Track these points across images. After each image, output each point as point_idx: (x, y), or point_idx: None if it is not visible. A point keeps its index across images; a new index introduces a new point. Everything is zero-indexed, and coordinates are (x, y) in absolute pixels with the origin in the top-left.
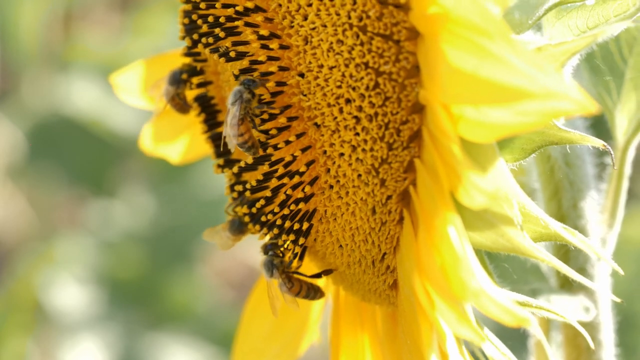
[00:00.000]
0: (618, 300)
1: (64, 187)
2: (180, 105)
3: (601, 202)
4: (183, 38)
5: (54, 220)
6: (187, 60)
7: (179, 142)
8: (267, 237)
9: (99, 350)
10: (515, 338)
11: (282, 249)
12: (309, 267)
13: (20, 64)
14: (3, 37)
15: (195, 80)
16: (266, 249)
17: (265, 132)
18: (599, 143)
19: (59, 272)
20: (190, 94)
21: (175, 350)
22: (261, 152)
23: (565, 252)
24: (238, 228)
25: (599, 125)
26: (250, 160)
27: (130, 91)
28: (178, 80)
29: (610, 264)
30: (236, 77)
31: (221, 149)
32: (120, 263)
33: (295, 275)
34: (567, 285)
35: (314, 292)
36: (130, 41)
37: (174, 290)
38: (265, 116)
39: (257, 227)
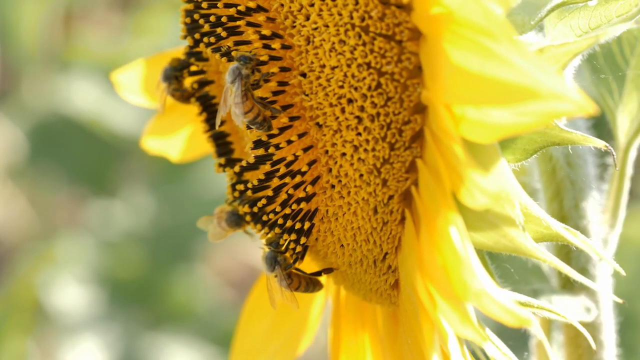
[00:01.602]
0: (619, 300)
1: (64, 187)
2: (179, 96)
3: (603, 203)
4: (185, 37)
5: (54, 220)
6: (181, 57)
7: (180, 140)
8: (269, 236)
9: (99, 350)
10: (516, 338)
11: (283, 247)
12: (309, 266)
13: (21, 63)
14: (3, 36)
15: (195, 77)
16: (270, 243)
17: (263, 99)
18: (601, 144)
19: (59, 272)
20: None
21: (176, 350)
22: (274, 130)
23: (567, 252)
24: (236, 221)
25: (601, 126)
26: (252, 159)
27: (131, 89)
28: (169, 76)
29: (611, 264)
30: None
31: (216, 128)
32: (121, 263)
33: (295, 272)
34: (568, 286)
35: (313, 286)
36: (130, 41)
37: (174, 290)
38: (267, 112)
39: (259, 226)
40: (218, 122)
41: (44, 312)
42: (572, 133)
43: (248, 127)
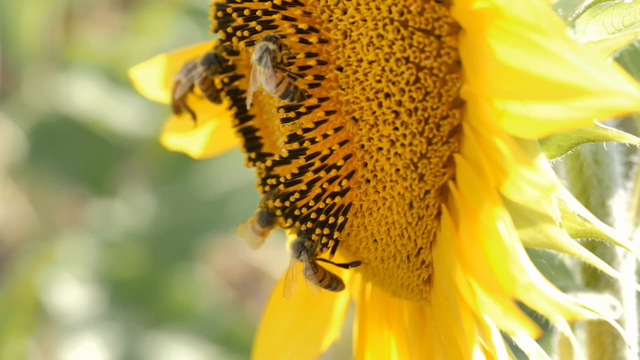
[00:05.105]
0: None
1: (64, 187)
2: (210, 92)
3: (627, 201)
4: (216, 31)
5: (54, 219)
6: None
7: (201, 136)
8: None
9: (99, 350)
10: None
11: (314, 239)
12: (338, 261)
13: (21, 63)
14: (4, 36)
15: (225, 73)
16: (300, 232)
17: (299, 74)
18: (637, 140)
19: (59, 271)
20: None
21: (176, 350)
22: (297, 101)
23: (592, 250)
24: (266, 219)
25: (627, 124)
26: (284, 153)
27: (151, 83)
28: (211, 60)
29: None
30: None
31: (247, 109)
32: (121, 262)
33: (321, 263)
34: (592, 284)
35: (336, 284)
36: (131, 41)
37: (174, 290)
38: (302, 109)
39: (290, 221)
40: (249, 101)
41: (44, 311)
42: (608, 130)
43: (281, 99)
